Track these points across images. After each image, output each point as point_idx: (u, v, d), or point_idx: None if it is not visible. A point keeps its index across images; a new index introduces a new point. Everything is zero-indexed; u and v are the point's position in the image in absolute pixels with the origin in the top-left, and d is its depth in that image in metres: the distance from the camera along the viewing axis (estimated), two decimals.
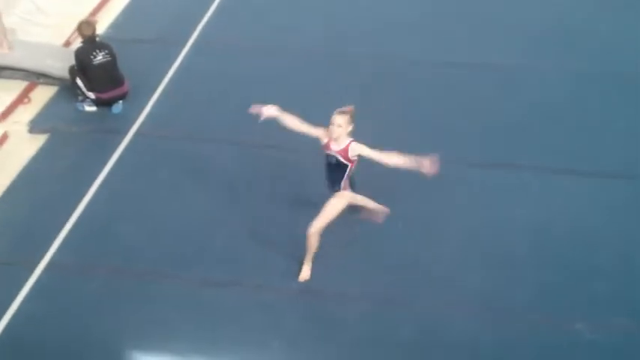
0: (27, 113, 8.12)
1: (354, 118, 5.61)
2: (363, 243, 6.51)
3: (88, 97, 8.03)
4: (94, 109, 8.12)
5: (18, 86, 8.43)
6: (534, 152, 7.58)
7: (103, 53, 7.93)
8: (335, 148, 5.66)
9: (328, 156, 5.74)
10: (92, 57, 7.87)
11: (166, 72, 8.74)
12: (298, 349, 5.65)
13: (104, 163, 7.35)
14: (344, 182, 5.81)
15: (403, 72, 8.82)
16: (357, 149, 5.60)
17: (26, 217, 6.77)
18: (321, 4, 10.28)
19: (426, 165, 5.39)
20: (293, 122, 5.81)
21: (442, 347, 5.68)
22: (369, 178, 6.12)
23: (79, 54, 7.93)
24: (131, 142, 7.69)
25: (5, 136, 7.73)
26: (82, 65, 7.91)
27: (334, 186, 5.87)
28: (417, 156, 5.44)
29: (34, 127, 7.91)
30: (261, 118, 5.82)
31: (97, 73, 7.91)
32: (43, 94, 8.43)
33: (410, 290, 6.11)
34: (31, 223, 6.71)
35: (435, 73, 8.79)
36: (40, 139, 7.74)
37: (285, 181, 7.17)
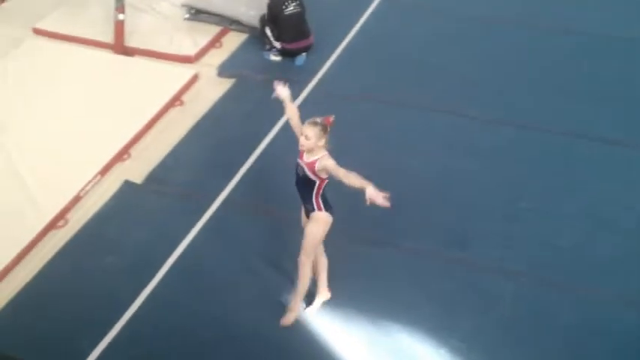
0: (217, 57, 8.57)
1: (327, 131, 5.08)
2: (529, 220, 6.31)
3: (274, 47, 8.33)
4: (278, 58, 8.42)
5: (212, 31, 8.89)
6: None
7: (294, 4, 8.17)
8: (305, 159, 5.14)
9: (297, 166, 5.22)
10: (284, 7, 8.13)
11: (350, 29, 8.86)
12: (450, 317, 5.62)
13: (283, 112, 7.58)
14: (315, 201, 5.22)
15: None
16: (323, 164, 5.02)
17: (207, 155, 7.21)
18: None
19: (378, 198, 4.82)
20: (292, 114, 5.51)
21: (604, 337, 5.42)
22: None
23: (272, 3, 8.21)
24: (310, 94, 7.90)
25: (196, 77, 8.22)
26: (273, 15, 8.20)
27: (306, 204, 5.32)
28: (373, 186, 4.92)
29: (223, 71, 8.35)
30: (273, 95, 5.63)
31: (287, 23, 8.17)
32: (234, 41, 8.85)
33: (574, 274, 5.86)
34: (212, 161, 7.14)
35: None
36: (226, 83, 8.17)
37: (459, 149, 7.09)
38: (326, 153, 5.08)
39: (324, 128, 5.05)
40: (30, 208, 6.46)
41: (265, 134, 7.35)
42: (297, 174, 5.22)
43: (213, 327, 5.56)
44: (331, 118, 5.11)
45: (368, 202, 4.77)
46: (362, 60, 8.45)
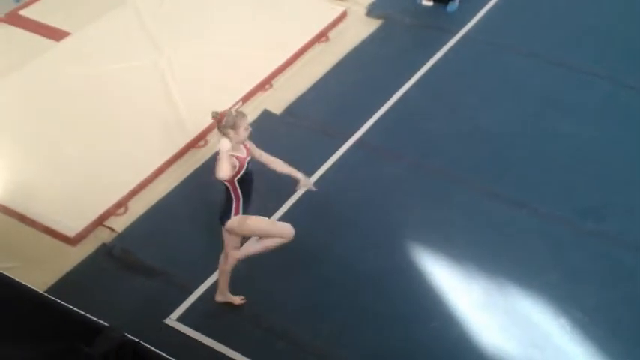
0: None
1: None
2: None
3: None
4: (430, 3, 8.23)
5: None
6: None
7: None
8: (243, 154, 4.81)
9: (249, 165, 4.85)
10: None
11: None
12: (575, 288, 5.41)
13: (427, 59, 7.48)
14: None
15: None
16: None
17: (346, 94, 7.21)
18: None
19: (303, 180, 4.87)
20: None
21: None
22: None
23: None
24: (458, 43, 7.69)
25: (345, 14, 8.18)
26: None
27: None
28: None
29: (372, 10, 8.26)
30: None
31: None
32: None
33: None
34: (350, 101, 7.14)
35: None
36: (374, 24, 8.08)
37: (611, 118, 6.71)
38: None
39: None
40: (176, 126, 6.77)
41: (406, 80, 7.24)
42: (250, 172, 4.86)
43: (335, 263, 5.67)
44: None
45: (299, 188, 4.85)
46: (519, 11, 8.08)
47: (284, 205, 6.07)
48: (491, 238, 5.79)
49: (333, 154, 6.52)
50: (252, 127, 6.80)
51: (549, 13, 8.04)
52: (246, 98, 7.17)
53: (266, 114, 7.02)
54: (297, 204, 6.06)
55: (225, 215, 4.89)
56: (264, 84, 7.33)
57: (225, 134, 4.64)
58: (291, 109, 7.09)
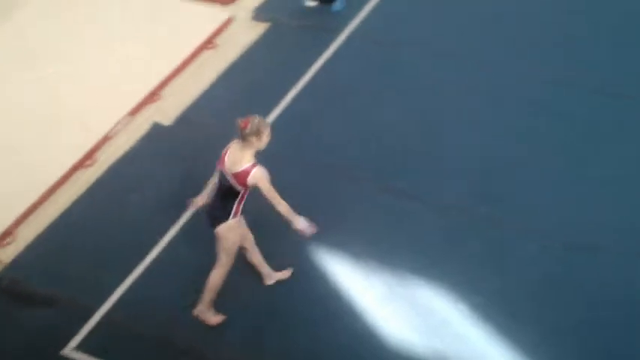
0: (253, 0, 8.42)
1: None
2: (560, 184, 6.17)
3: None
4: (315, 4, 8.25)
5: None
6: None
7: None
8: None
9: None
10: None
11: None
12: (474, 274, 5.55)
13: (316, 59, 7.50)
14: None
15: None
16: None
17: (237, 100, 7.13)
18: None
19: (302, 226, 4.80)
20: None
21: (627, 301, 5.30)
22: None
23: None
24: (345, 42, 7.74)
25: (230, 20, 8.11)
26: None
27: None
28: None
29: (258, 15, 8.22)
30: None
31: None
32: None
33: (603, 236, 5.71)
34: (241, 106, 7.04)
35: None
36: (261, 28, 8.05)
37: (504, 105, 6.93)
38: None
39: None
40: (60, 147, 6.53)
41: (297, 81, 7.24)
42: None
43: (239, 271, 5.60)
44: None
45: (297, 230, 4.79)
46: (404, 7, 8.21)
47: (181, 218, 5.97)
48: (390, 233, 5.86)
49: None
50: (142, 141, 6.76)
51: (433, 6, 8.19)
52: (135, 111, 7.01)
53: (156, 126, 6.87)
54: (197, 215, 5.98)
55: (223, 218, 4.81)
56: (153, 95, 7.18)
57: (248, 141, 4.59)
58: (183, 119, 6.98)
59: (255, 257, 5.34)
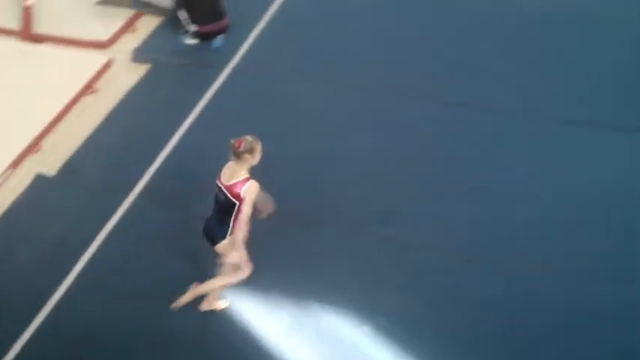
0: (131, 42, 8.32)
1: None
2: (454, 199, 6.39)
3: (189, 30, 8.15)
4: (195, 42, 8.24)
5: (125, 15, 8.62)
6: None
7: None
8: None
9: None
10: None
11: (267, 9, 8.73)
12: (376, 294, 5.64)
13: (201, 96, 7.47)
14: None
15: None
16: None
17: (122, 145, 7.00)
18: None
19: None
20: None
21: (524, 306, 5.55)
22: None
23: None
24: (229, 77, 7.77)
25: (110, 63, 7.96)
26: None
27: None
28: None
29: (138, 56, 8.12)
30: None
31: (201, 5, 8.01)
32: (148, 25, 8.62)
33: (498, 248, 5.96)
34: (126, 151, 6.93)
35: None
36: (141, 69, 7.95)
37: (368, 123, 7.11)
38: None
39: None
40: None
41: (183, 120, 7.18)
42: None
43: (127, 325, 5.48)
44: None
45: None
46: (282, 39, 8.33)
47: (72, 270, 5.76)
48: (293, 264, 5.87)
49: (117, 209, 6.28)
50: (25, 195, 6.48)
51: (310, 38, 8.37)
52: (16, 163, 6.72)
53: (38, 178, 6.61)
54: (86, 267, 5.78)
55: (221, 236, 5.04)
56: (33, 147, 6.91)
57: (243, 159, 4.87)
58: (66, 169, 6.75)
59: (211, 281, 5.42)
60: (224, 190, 4.91)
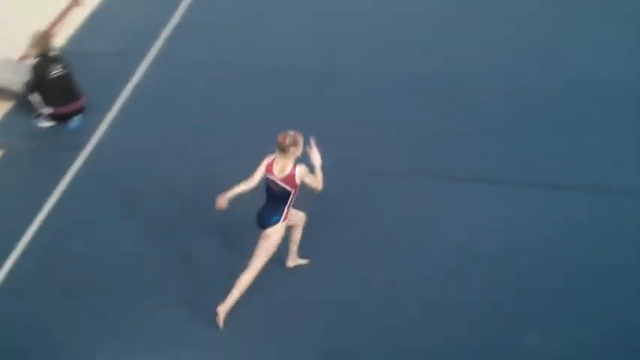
0: None
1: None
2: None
3: (42, 113, 7.90)
4: (50, 124, 7.99)
5: None
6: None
7: (59, 66, 7.81)
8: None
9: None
10: (48, 71, 7.74)
11: (124, 87, 8.63)
12: None
13: (58, 181, 7.18)
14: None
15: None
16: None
17: None
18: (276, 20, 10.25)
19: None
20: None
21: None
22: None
23: (36, 68, 7.79)
24: (87, 159, 7.54)
25: None
26: (39, 79, 7.76)
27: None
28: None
29: None
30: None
31: (54, 86, 7.79)
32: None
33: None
34: None
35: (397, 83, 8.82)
36: None
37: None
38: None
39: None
40: None
41: (41, 207, 6.86)
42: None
43: None
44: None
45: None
46: (144, 113, 8.25)
47: None
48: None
49: None
50: None
51: (176, 107, 8.34)
52: None
53: None
54: None
55: (275, 218, 5.61)
56: None
57: (289, 152, 5.47)
58: None
59: (296, 235, 6.05)
60: (278, 182, 5.51)
